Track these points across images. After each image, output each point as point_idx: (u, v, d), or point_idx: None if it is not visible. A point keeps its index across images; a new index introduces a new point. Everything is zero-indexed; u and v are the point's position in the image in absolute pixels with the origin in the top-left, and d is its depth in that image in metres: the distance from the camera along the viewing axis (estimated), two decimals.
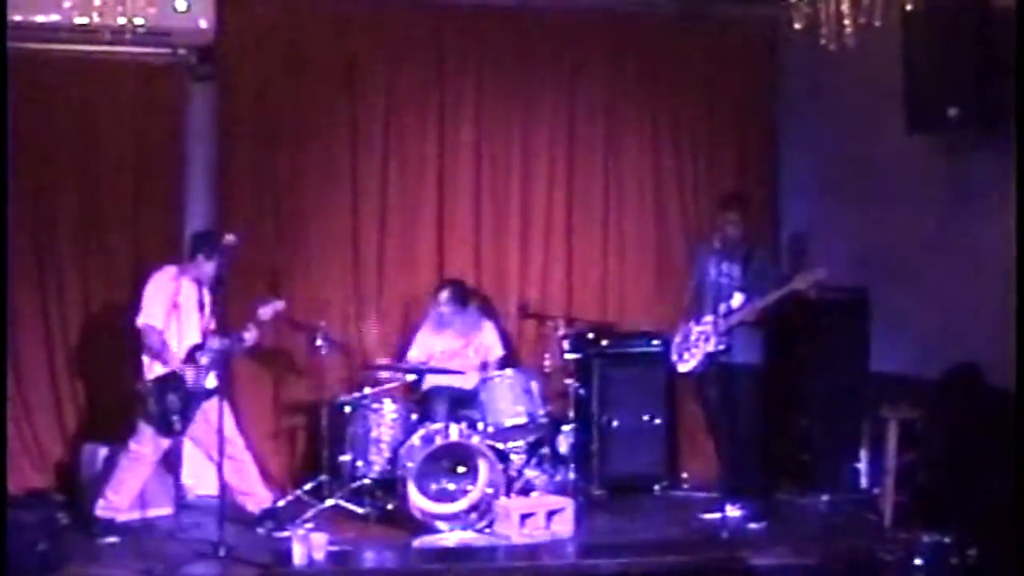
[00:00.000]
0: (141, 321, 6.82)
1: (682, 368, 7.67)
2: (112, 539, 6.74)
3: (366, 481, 7.30)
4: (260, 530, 6.89)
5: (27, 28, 7.35)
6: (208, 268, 6.86)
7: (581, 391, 7.77)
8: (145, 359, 6.82)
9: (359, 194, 8.36)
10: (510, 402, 7.40)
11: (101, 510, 6.87)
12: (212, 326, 6.82)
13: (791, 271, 7.68)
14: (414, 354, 7.94)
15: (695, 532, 7.04)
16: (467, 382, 7.71)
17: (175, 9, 7.42)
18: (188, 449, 7.28)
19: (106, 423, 7.60)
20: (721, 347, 7.37)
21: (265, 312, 7.08)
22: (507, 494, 7.10)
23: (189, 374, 6.74)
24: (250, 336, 7.01)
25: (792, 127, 8.85)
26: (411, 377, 7.76)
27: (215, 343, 6.81)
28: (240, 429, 7.08)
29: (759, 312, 7.37)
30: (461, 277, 8.17)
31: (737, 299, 7.42)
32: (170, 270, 6.95)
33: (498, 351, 8.03)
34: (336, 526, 6.81)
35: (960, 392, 6.49)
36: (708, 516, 7.24)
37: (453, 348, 7.92)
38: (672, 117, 8.82)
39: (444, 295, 7.87)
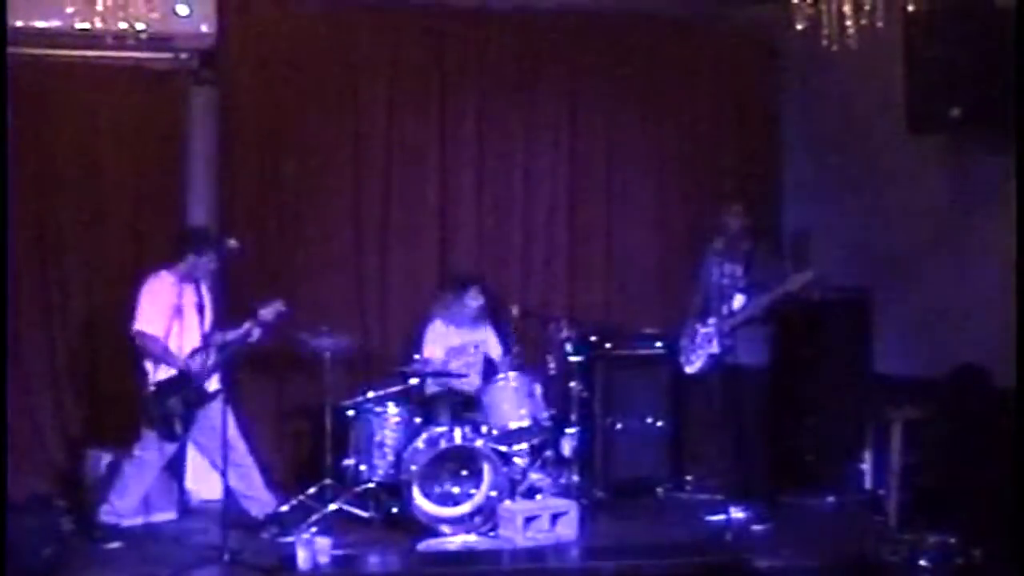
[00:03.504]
0: (136, 327, 6.79)
1: (688, 370, 7.66)
2: (116, 544, 6.73)
3: (370, 485, 7.28)
4: (264, 535, 6.87)
5: (29, 33, 7.37)
6: (201, 266, 6.87)
7: (585, 393, 7.74)
8: (148, 364, 6.81)
9: (361, 197, 8.37)
10: (514, 405, 7.38)
11: (105, 515, 6.86)
12: (210, 325, 6.79)
13: (792, 272, 7.66)
14: (430, 350, 7.88)
15: (699, 534, 7.02)
16: (470, 385, 7.70)
17: (177, 14, 7.47)
18: (192, 454, 7.29)
19: (110, 428, 7.61)
20: (724, 349, 7.37)
21: (266, 313, 7.02)
22: (511, 497, 7.09)
23: (191, 378, 6.73)
24: (253, 335, 7.02)
25: (794, 127, 8.84)
26: (414, 380, 7.75)
27: (220, 337, 6.81)
28: (243, 433, 7.06)
29: (757, 313, 7.36)
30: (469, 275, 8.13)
31: (738, 300, 7.41)
32: (165, 275, 6.91)
33: (498, 351, 8.01)
34: (340, 530, 6.79)
35: (965, 392, 6.48)
36: (712, 518, 7.24)
37: (462, 345, 7.90)
38: (675, 118, 8.83)
39: (472, 292, 7.83)
